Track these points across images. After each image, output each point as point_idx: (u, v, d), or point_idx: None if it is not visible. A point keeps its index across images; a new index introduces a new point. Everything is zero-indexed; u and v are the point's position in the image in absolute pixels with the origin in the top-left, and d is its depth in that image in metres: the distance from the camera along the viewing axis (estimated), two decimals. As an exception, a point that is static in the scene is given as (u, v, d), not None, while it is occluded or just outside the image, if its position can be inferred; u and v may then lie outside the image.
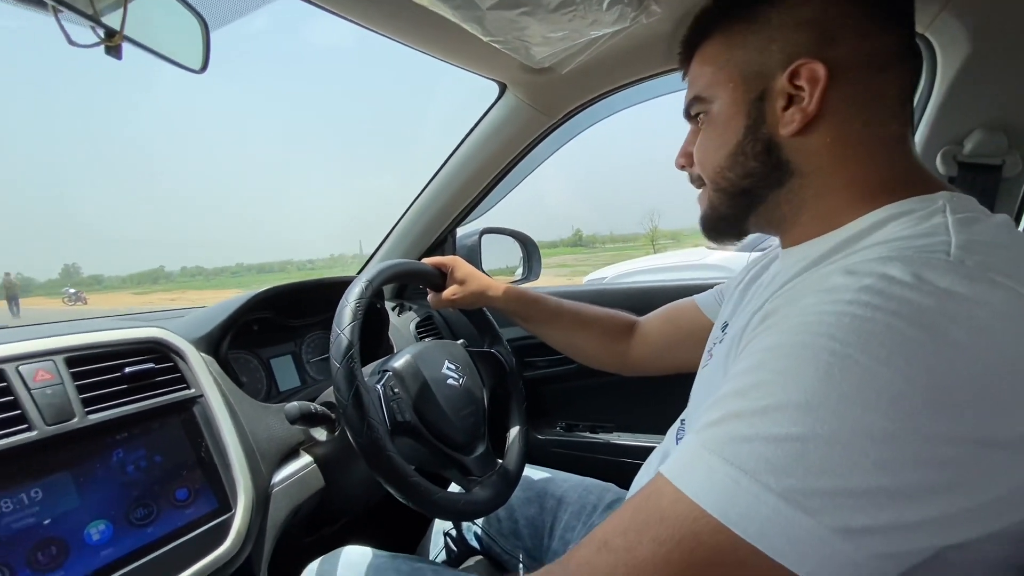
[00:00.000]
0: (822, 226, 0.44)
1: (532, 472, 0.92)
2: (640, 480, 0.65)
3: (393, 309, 1.17)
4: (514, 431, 0.84)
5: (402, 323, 1.14)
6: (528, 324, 0.88)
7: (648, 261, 4.87)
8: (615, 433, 1.14)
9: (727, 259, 4.36)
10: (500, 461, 0.78)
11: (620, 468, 1.09)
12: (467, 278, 0.83)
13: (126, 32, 0.46)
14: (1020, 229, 0.52)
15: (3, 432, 0.50)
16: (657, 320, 0.84)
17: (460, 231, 1.27)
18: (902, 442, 0.27)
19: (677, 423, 0.64)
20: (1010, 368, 0.28)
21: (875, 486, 0.27)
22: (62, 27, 0.42)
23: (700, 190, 0.53)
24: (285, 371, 0.94)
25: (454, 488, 0.86)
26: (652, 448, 0.68)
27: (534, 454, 0.94)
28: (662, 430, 0.65)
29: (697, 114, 0.50)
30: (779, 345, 0.32)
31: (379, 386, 0.67)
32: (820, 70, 0.40)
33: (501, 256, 1.46)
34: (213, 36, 0.60)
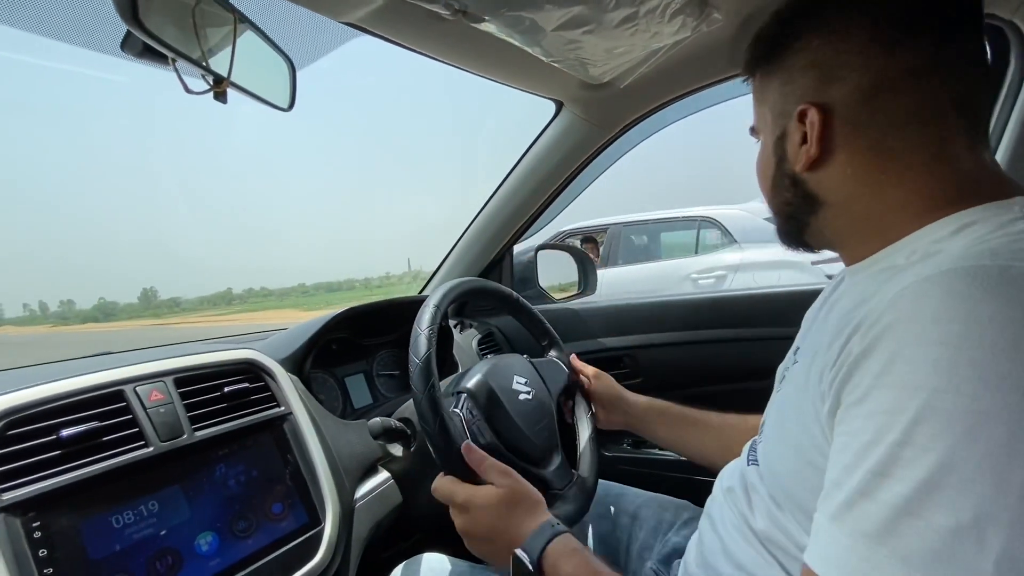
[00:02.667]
0: (877, 243, 0.43)
1: (604, 487, 0.90)
2: (716, 502, 0.62)
3: (455, 326, 1.19)
4: (584, 439, 0.84)
5: (464, 340, 1.16)
6: (669, 432, 0.83)
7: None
8: (685, 449, 1.10)
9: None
10: (575, 472, 0.77)
11: (692, 485, 1.05)
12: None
13: (232, 78, 0.50)
14: None
15: (125, 448, 0.54)
16: None
17: (517, 248, 1.29)
18: None
19: (748, 444, 0.62)
20: None
21: None
22: (181, 78, 0.47)
23: None
24: (358, 389, 0.97)
25: None
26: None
27: (602, 471, 0.92)
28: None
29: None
30: (898, 407, 0.31)
31: (458, 409, 0.68)
32: (815, 114, 0.41)
33: (557, 272, 1.47)
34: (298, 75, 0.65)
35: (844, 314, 0.41)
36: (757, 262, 3.49)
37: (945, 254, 0.36)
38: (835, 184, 0.44)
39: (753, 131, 0.53)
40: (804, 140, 0.43)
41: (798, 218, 0.49)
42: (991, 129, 0.77)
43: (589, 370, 0.88)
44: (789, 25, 0.44)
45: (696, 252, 3.96)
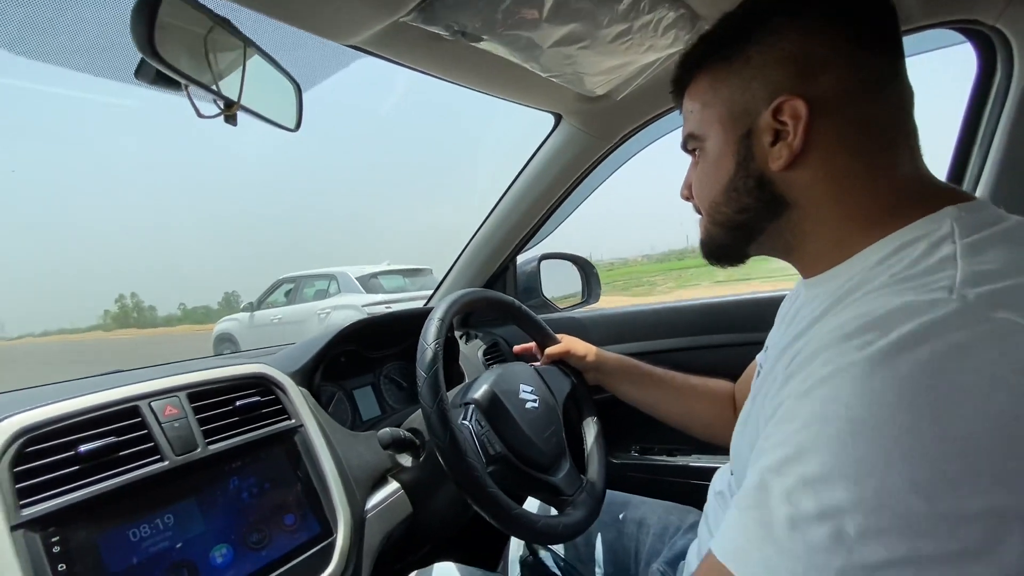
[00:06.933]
0: (834, 255, 0.43)
1: (610, 495, 0.91)
2: (710, 506, 0.63)
3: (461, 337, 1.20)
4: (591, 443, 0.86)
5: (470, 350, 1.17)
6: (635, 390, 0.87)
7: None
8: (693, 455, 1.11)
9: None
10: (584, 476, 0.78)
11: (698, 491, 1.05)
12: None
13: (241, 102, 0.52)
14: None
15: (141, 463, 0.55)
16: (745, 386, 0.79)
17: (520, 258, 1.31)
18: (925, 501, 0.27)
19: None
20: (1018, 401, 0.28)
21: (918, 553, 0.27)
22: (193, 103, 0.49)
23: (699, 217, 0.53)
24: (367, 401, 0.98)
25: (531, 502, 0.87)
26: None
27: (610, 478, 0.93)
28: None
29: (693, 149, 0.51)
30: (801, 416, 0.33)
31: (467, 422, 0.69)
32: (801, 106, 0.40)
33: (560, 281, 1.48)
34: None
35: (795, 335, 0.43)
36: (345, 304, 5.77)
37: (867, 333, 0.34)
38: (807, 183, 0.43)
39: (691, 140, 0.50)
40: (776, 138, 0.42)
41: (752, 225, 0.47)
42: (982, 134, 0.78)
43: (558, 337, 0.92)
44: (759, 19, 0.43)
45: (327, 296, 6.19)
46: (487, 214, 1.16)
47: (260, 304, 6.92)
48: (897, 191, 0.41)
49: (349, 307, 5.65)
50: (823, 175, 0.42)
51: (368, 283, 5.94)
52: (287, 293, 6.81)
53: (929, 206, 0.39)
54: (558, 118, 0.98)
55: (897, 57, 0.42)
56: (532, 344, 0.94)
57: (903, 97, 0.42)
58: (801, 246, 0.46)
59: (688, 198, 0.54)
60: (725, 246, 0.51)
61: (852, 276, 0.41)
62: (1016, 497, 0.27)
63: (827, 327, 0.37)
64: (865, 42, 0.41)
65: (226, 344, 6.94)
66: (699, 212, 0.53)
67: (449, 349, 1.10)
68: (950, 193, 0.41)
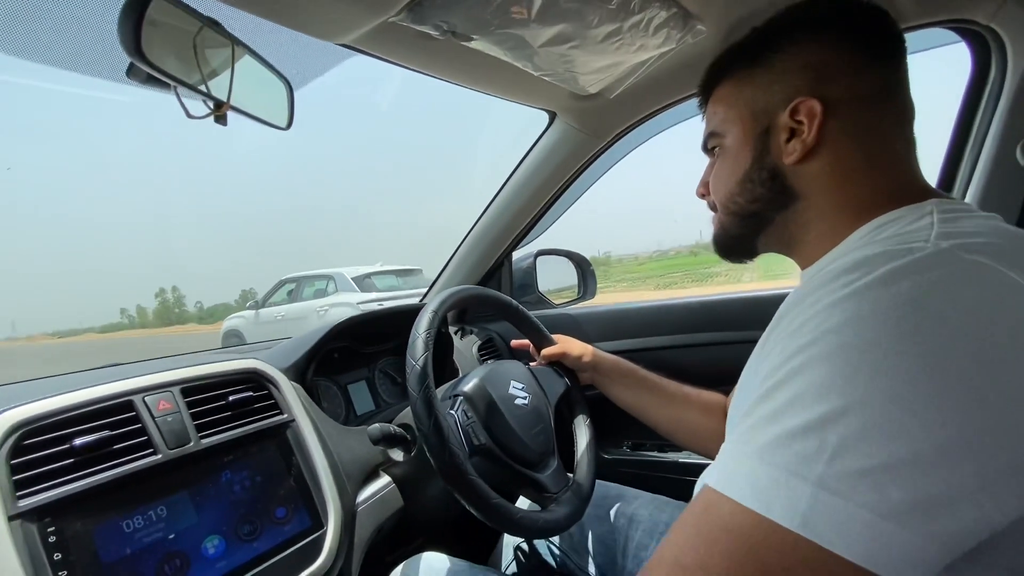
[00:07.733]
0: (827, 242, 0.48)
1: (602, 488, 0.92)
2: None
3: (456, 333, 1.21)
4: (582, 444, 0.85)
5: (465, 346, 1.18)
6: (627, 393, 0.87)
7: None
8: (684, 451, 1.11)
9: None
10: (571, 476, 0.79)
11: (690, 486, 1.06)
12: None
13: (231, 102, 0.53)
14: None
15: (135, 456, 0.57)
16: None
17: (516, 254, 1.31)
18: (906, 411, 0.29)
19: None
20: (989, 327, 0.31)
21: (896, 458, 0.29)
22: (182, 103, 0.49)
23: (713, 214, 0.58)
24: (361, 396, 1.00)
25: (523, 503, 0.88)
26: None
27: (602, 473, 0.94)
28: None
29: (713, 147, 0.56)
30: (789, 349, 0.35)
31: (453, 412, 0.70)
32: (816, 106, 0.45)
33: (555, 277, 1.49)
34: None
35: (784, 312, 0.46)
36: (342, 302, 6.22)
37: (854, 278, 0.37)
38: (814, 177, 0.47)
39: (713, 137, 0.55)
40: (792, 135, 0.47)
41: (763, 215, 0.52)
42: (975, 133, 0.78)
43: (555, 338, 0.92)
44: (784, 30, 0.49)
45: (325, 295, 6.77)
46: (482, 211, 1.17)
47: (264, 302, 7.57)
48: (890, 187, 0.46)
49: (345, 304, 6.15)
50: (829, 168, 0.47)
51: (363, 282, 6.48)
52: (289, 292, 7.44)
53: (915, 199, 0.44)
54: (552, 115, 0.99)
55: (901, 73, 0.47)
56: (528, 342, 0.94)
57: (904, 109, 0.47)
58: (803, 237, 0.51)
59: (703, 195, 0.59)
60: (736, 237, 0.56)
61: (839, 252, 0.45)
62: (984, 412, 0.29)
63: (813, 279, 0.40)
64: (875, 57, 0.46)
65: (234, 339, 7.48)
66: (713, 209, 0.58)
67: (444, 345, 1.12)
68: (936, 193, 0.45)
